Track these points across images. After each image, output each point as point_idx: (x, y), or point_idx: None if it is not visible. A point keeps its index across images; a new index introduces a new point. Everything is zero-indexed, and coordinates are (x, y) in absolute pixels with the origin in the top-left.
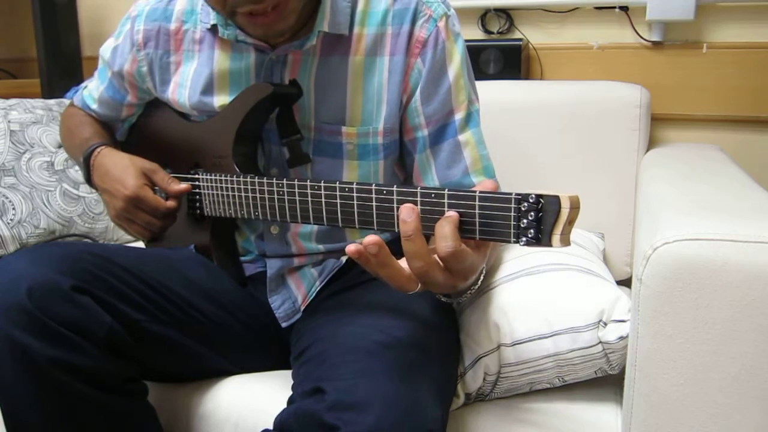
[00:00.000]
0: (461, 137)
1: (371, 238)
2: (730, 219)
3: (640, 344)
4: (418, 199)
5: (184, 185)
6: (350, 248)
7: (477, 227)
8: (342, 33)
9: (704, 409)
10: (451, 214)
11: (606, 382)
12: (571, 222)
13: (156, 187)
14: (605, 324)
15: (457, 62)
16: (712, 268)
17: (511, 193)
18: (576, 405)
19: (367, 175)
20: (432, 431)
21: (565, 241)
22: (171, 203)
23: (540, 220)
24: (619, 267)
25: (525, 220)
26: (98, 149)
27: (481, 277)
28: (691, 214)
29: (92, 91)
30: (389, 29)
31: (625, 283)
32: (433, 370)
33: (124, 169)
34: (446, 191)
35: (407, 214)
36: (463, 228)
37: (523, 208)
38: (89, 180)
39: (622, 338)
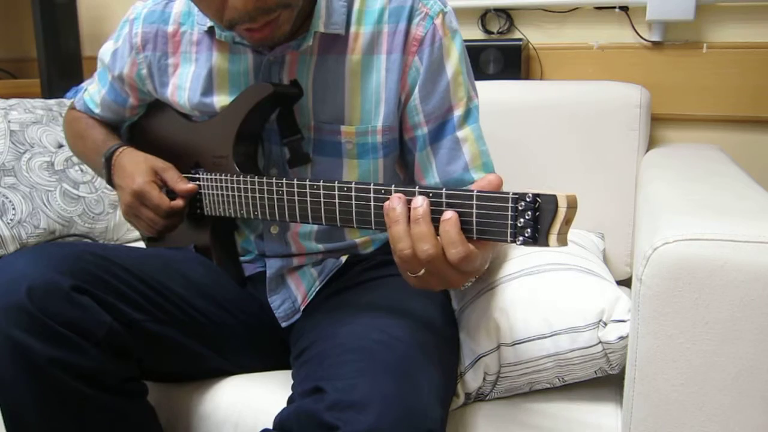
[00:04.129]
0: (460, 133)
1: (397, 194)
2: (730, 219)
3: (640, 344)
4: (417, 198)
5: (190, 185)
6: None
7: (474, 227)
8: (338, 32)
9: (704, 409)
10: (451, 215)
11: (606, 382)
12: (568, 222)
13: (166, 187)
14: (605, 324)
15: (455, 59)
16: (712, 268)
17: (508, 192)
18: (576, 405)
19: (366, 174)
20: (432, 431)
21: (562, 241)
22: (175, 202)
23: (537, 219)
24: (619, 267)
25: (522, 220)
26: (120, 150)
27: (486, 265)
28: (691, 214)
29: (93, 95)
30: (386, 27)
31: (625, 283)
32: (433, 369)
33: (136, 165)
34: (444, 190)
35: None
36: (461, 228)
37: (520, 207)
38: (110, 180)
39: (622, 338)
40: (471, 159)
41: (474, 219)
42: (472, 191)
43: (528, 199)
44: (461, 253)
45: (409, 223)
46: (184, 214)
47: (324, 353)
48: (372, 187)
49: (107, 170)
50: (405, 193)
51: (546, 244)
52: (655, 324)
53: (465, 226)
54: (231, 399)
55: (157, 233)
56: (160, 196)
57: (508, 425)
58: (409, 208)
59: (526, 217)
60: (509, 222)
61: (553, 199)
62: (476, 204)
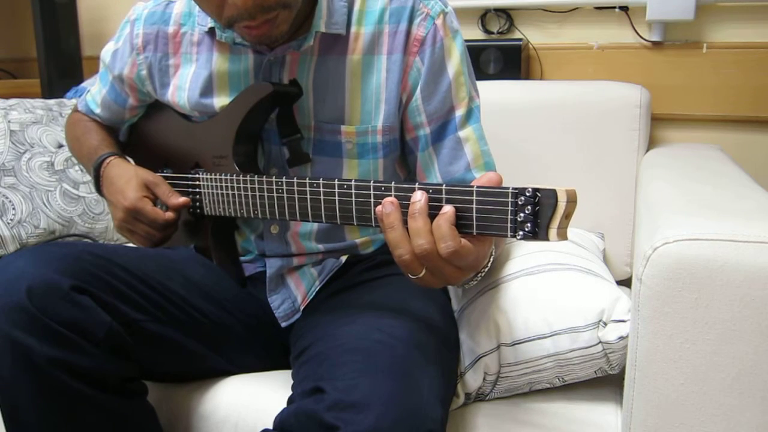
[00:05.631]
0: (461, 133)
1: (389, 199)
2: (730, 219)
3: (640, 344)
4: (416, 193)
5: (183, 199)
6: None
7: (474, 222)
8: (339, 33)
9: (704, 409)
10: (446, 210)
11: (606, 382)
12: (568, 216)
13: (157, 200)
14: (605, 324)
15: (456, 59)
16: (712, 268)
17: (508, 187)
18: (576, 405)
19: (366, 173)
20: (432, 431)
21: (562, 235)
22: (170, 215)
23: (537, 213)
24: (619, 267)
25: (522, 214)
26: (107, 160)
27: (490, 261)
28: (691, 214)
29: (95, 95)
30: (386, 28)
31: (625, 283)
32: (433, 370)
33: (127, 180)
34: (444, 186)
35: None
36: (461, 223)
37: (520, 202)
38: (99, 190)
39: (622, 338)
40: (473, 159)
41: (474, 214)
42: (472, 186)
43: (528, 194)
44: (450, 248)
45: (405, 227)
46: (178, 223)
47: (324, 353)
48: (372, 184)
49: (95, 180)
50: (404, 189)
51: (546, 239)
52: (655, 324)
53: (465, 222)
54: (231, 399)
55: (153, 245)
56: (154, 211)
57: (508, 425)
58: (404, 212)
59: (526, 212)
60: (509, 217)
61: (553, 193)
62: (476, 199)
